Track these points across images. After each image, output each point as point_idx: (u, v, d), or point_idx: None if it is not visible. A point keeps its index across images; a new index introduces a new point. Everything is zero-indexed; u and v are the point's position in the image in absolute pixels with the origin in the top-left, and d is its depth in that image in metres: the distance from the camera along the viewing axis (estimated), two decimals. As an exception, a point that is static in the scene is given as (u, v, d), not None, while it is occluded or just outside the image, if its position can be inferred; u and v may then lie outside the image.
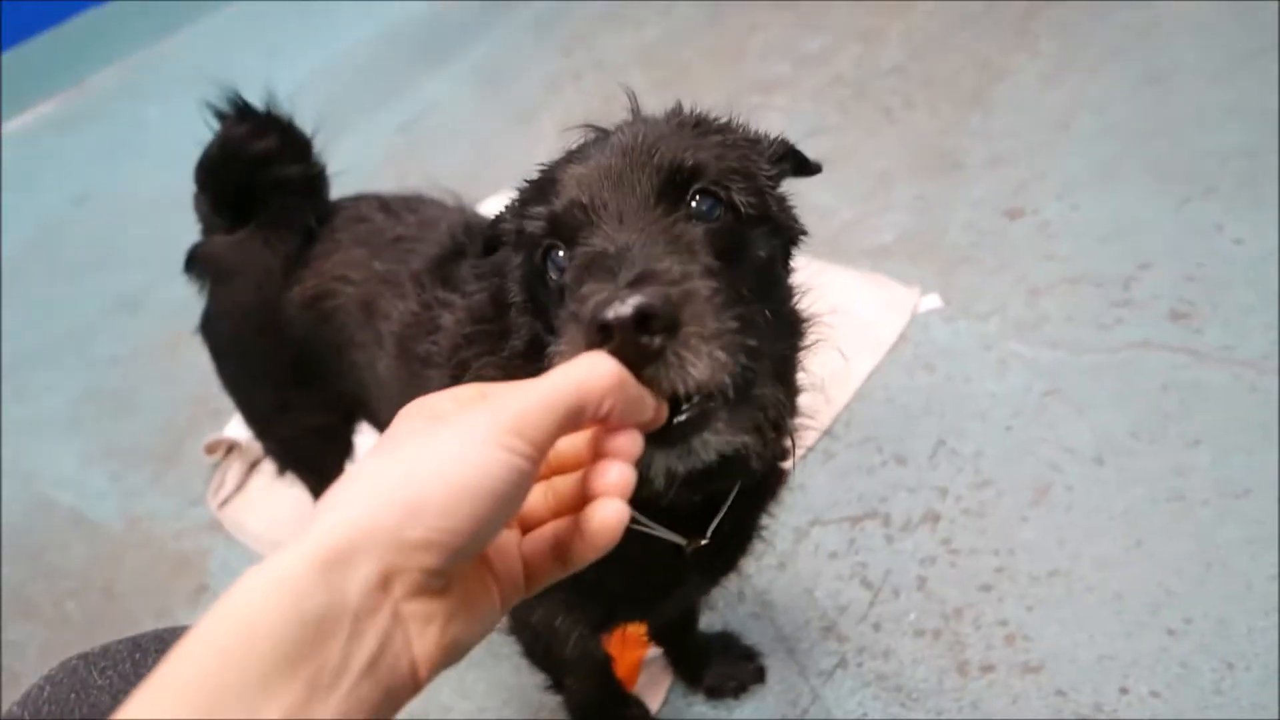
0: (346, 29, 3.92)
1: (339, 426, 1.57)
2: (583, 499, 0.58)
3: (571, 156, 0.85)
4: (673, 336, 0.61)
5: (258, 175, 1.36)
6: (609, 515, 0.56)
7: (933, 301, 2.05)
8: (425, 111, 3.24)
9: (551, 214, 0.79)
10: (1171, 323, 1.88)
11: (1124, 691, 1.33)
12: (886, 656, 1.43)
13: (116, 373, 2.33)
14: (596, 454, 0.58)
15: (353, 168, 2.91)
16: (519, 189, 0.92)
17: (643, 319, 0.59)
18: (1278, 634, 1.35)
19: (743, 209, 0.80)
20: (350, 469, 0.52)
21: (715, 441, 0.68)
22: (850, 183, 2.46)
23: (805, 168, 0.98)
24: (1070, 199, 2.29)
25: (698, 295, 0.64)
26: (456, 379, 1.04)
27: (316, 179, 1.42)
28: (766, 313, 0.78)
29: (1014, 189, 2.36)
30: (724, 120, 0.91)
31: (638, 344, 0.60)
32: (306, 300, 1.35)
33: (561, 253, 0.79)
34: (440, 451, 0.51)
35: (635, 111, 0.94)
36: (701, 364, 0.61)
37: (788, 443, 0.97)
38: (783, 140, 0.94)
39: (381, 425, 1.43)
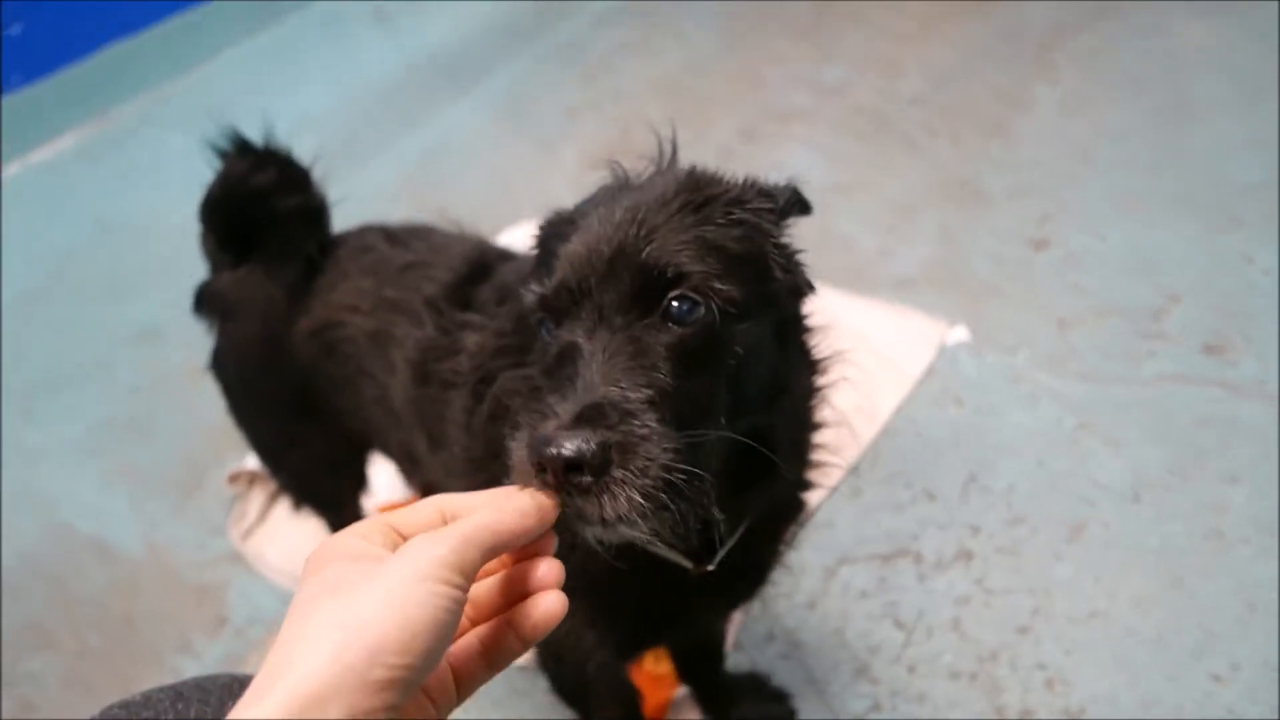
0: (368, 60, 3.95)
1: (349, 459, 1.57)
2: (504, 600, 0.65)
3: (581, 215, 0.87)
4: (600, 477, 0.68)
5: (258, 209, 1.38)
6: (552, 605, 0.63)
7: (960, 334, 2.02)
8: (445, 140, 3.25)
9: (543, 297, 0.84)
10: (1205, 356, 1.85)
11: (1169, 740, 1.29)
12: (921, 700, 1.39)
13: (137, 401, 2.32)
14: (516, 560, 0.66)
15: (373, 196, 2.94)
16: (541, 226, 0.95)
17: (575, 464, 0.67)
18: (1326, 679, 1.31)
19: (725, 308, 0.81)
20: (295, 616, 0.53)
21: (638, 533, 0.73)
22: (872, 213, 2.45)
23: (804, 208, 0.97)
24: (1095, 230, 2.28)
25: (634, 437, 0.71)
26: (478, 396, 1.09)
27: (317, 210, 1.43)
28: (731, 400, 0.82)
29: (1037, 219, 2.35)
30: (736, 191, 0.88)
31: (569, 481, 0.68)
32: (313, 331, 1.36)
33: (547, 327, 0.85)
34: (389, 592, 0.53)
35: (661, 161, 0.95)
36: (621, 503, 0.69)
37: (811, 473, 1.02)
38: (792, 188, 0.94)
39: (393, 455, 1.44)
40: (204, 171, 3.22)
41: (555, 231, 0.89)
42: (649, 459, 0.70)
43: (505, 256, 1.30)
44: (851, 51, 3.17)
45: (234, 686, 0.82)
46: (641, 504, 0.69)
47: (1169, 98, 2.73)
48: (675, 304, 0.79)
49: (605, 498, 0.69)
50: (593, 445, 0.68)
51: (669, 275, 0.80)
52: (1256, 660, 1.35)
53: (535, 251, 0.94)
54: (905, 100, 2.93)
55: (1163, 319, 1.95)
